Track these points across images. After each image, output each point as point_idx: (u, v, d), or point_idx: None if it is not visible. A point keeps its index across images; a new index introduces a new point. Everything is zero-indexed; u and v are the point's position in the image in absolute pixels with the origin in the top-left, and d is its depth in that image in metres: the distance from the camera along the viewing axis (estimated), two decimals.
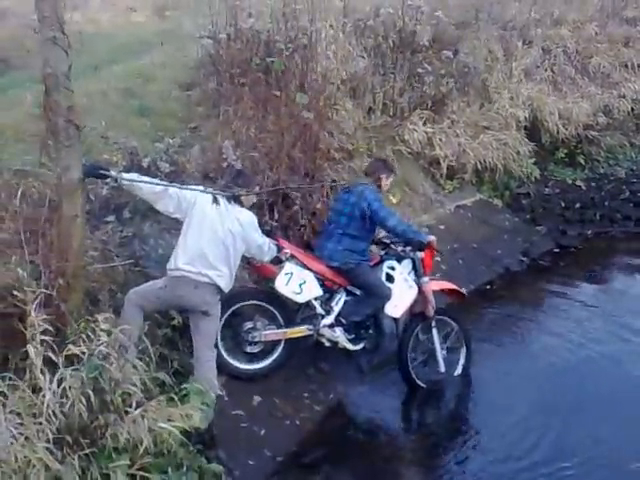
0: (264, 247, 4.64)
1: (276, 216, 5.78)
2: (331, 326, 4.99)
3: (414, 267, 5.20)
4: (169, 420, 3.34)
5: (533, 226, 8.64)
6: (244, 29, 7.32)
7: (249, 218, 4.46)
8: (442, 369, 5.26)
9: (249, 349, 4.90)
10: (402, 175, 7.84)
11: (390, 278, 5.14)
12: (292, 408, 4.81)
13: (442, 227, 7.78)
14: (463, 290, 5.60)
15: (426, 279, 5.19)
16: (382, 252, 5.46)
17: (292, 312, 5.01)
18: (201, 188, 4.47)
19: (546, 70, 9.74)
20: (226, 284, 4.28)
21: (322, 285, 5.00)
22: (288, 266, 4.86)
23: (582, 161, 9.57)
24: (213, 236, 4.22)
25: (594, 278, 7.53)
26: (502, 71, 9.25)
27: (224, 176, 4.95)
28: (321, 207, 6.17)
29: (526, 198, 8.86)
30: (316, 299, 4.98)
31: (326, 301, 5.06)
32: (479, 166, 8.39)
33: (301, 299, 4.91)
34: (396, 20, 8.52)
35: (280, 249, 4.87)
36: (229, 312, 4.72)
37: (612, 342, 6.02)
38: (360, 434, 4.86)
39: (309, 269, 4.96)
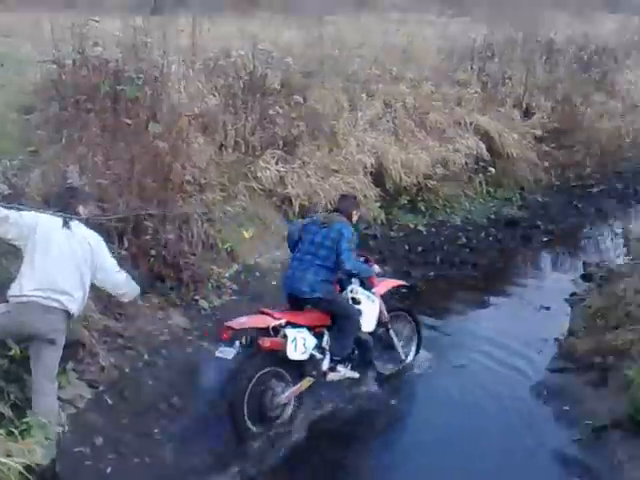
0: (118, 276, 4.39)
1: (126, 244, 5.47)
2: (332, 369, 5.39)
3: (362, 285, 5.73)
4: (8, 455, 3.09)
5: (382, 265, 8.88)
6: (91, 56, 7.05)
7: (97, 237, 4.28)
8: (403, 357, 6.09)
9: (274, 414, 5.04)
10: (255, 211, 7.83)
11: (355, 300, 5.59)
12: (141, 445, 4.44)
13: None
14: (405, 282, 6.75)
15: (374, 290, 5.77)
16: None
17: (295, 367, 5.16)
18: (45, 212, 4.18)
19: (388, 122, 10.23)
20: (78, 308, 4.07)
21: (312, 333, 5.25)
22: (290, 333, 4.99)
23: (423, 208, 10.06)
24: (62, 259, 4.00)
25: (436, 314, 7.83)
26: (348, 120, 9.58)
27: (57, 197, 4.63)
28: (173, 238, 5.95)
29: (373, 240, 9.13)
30: (313, 348, 5.24)
31: (319, 346, 5.32)
32: (329, 206, 8.53)
33: (307, 356, 5.15)
34: (247, 62, 8.63)
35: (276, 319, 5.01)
36: (253, 382, 4.80)
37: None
38: None
39: (301, 325, 5.16)
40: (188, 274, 6.20)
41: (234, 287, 6.93)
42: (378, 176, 9.51)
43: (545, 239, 10.12)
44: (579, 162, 12.43)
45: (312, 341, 5.18)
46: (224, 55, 8.77)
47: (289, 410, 5.14)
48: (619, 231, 10.08)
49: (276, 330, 4.96)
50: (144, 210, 5.56)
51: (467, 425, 5.32)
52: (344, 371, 5.48)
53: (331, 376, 5.39)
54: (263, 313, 5.07)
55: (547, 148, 12.02)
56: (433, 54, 12.75)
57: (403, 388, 5.99)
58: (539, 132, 12.10)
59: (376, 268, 5.91)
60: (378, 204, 9.35)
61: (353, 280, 5.67)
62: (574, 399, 5.52)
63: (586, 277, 8.26)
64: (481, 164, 10.83)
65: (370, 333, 5.65)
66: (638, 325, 5.39)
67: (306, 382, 5.21)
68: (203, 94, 8.12)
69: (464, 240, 9.81)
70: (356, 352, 5.55)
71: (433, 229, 9.92)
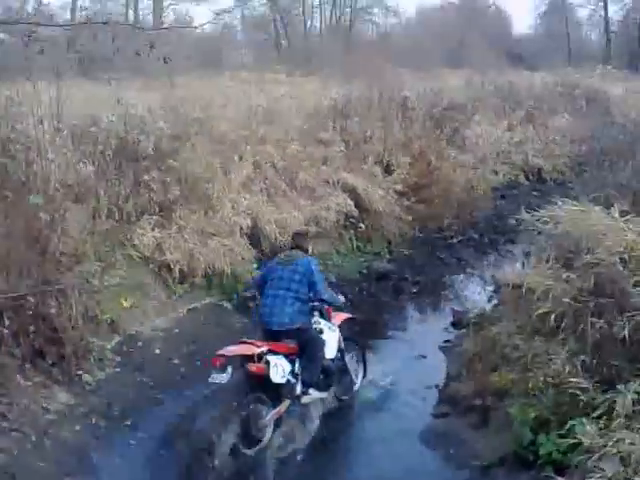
0: None
1: (6, 322, 5.22)
2: (304, 392, 6.01)
3: (322, 316, 6.41)
4: None
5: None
6: None
7: None
8: (355, 382, 6.88)
9: (259, 435, 5.57)
10: (134, 279, 7.72)
11: (318, 330, 6.26)
12: None
13: (177, 330, 7.80)
14: (354, 315, 7.32)
15: (333, 321, 6.54)
16: None
17: (273, 391, 5.70)
18: None
19: (260, 183, 10.46)
20: None
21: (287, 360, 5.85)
22: (271, 359, 5.64)
23: None
24: None
25: None
26: (222, 182, 9.69)
27: None
28: (53, 312, 5.76)
29: (253, 301, 9.17)
30: (289, 373, 5.83)
31: (293, 372, 5.90)
32: (209, 270, 8.57)
33: (285, 380, 5.76)
34: (119, 128, 8.57)
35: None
36: (244, 409, 5.41)
37: None
38: None
39: (278, 353, 5.77)
40: (70, 349, 6.04)
41: (117, 359, 6.82)
42: (254, 237, 9.66)
43: (414, 290, 10.57)
44: (438, 214, 13.16)
45: (288, 367, 5.82)
46: (92, 122, 8.64)
47: (269, 432, 5.67)
48: (483, 278, 10.75)
49: (259, 357, 5.57)
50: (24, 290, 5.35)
51: (361, 474, 5.50)
52: (315, 393, 6.15)
53: (305, 399, 6.08)
54: (245, 343, 5.70)
55: (409, 202, 12.67)
56: (296, 114, 13.21)
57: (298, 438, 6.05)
58: (400, 187, 12.77)
59: (342, 298, 6.70)
60: (255, 265, 9.48)
61: (315, 312, 6.32)
62: (459, 442, 5.84)
63: (456, 324, 8.78)
64: (351, 220, 11.28)
65: (331, 360, 6.36)
66: (516, 366, 5.80)
67: (284, 404, 5.83)
68: (74, 163, 7.94)
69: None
70: (321, 377, 6.18)
71: None
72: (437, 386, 7.00)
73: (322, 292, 6.10)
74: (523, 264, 9.17)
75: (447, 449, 5.83)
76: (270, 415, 5.64)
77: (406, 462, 5.69)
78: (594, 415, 4.57)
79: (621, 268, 5.57)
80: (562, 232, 6.42)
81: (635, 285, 5.44)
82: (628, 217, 6.02)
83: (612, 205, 6.40)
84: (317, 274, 6.09)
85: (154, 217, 8.33)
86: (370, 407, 6.78)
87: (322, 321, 6.37)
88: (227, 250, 8.85)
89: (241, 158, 10.47)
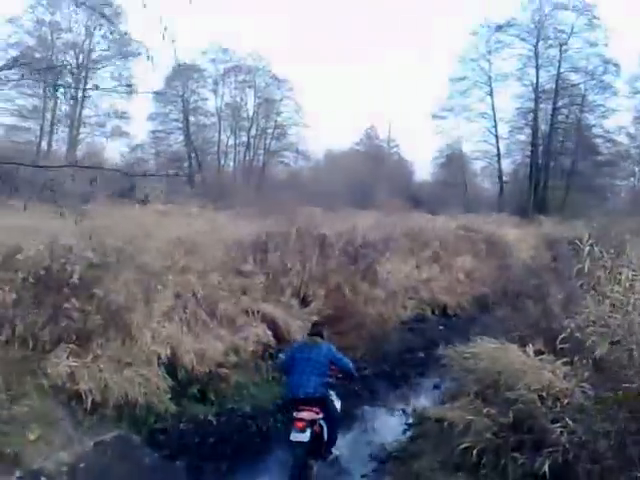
0: None
1: None
2: (329, 451, 7.96)
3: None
4: None
5: (172, 462, 8.58)
6: None
7: None
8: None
9: None
10: (42, 410, 7.40)
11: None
12: None
13: (82, 465, 7.37)
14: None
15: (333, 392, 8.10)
16: None
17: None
18: None
19: (180, 312, 10.39)
20: None
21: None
22: (323, 423, 7.77)
23: (213, 397, 10.04)
24: None
25: None
26: (143, 311, 9.59)
27: None
28: None
29: (163, 434, 8.87)
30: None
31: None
32: (121, 401, 8.28)
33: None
34: (43, 257, 8.49)
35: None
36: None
37: None
38: None
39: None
40: None
41: None
42: (172, 367, 9.48)
43: None
44: (352, 346, 13.35)
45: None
46: (15, 251, 8.54)
47: None
48: (399, 411, 10.82)
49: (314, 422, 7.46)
50: None
51: None
52: (335, 452, 8.00)
53: (330, 456, 7.92)
54: (304, 410, 7.42)
55: (326, 334, 12.83)
56: (216, 246, 13.42)
57: None
58: (316, 318, 12.95)
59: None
60: (169, 396, 9.21)
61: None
62: None
63: (375, 458, 8.71)
64: (270, 351, 11.28)
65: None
66: None
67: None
68: None
69: (254, 428, 9.85)
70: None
71: (223, 418, 9.85)
72: None
73: (348, 364, 8.19)
74: (441, 397, 9.42)
75: None
76: (317, 467, 7.56)
77: None
78: None
79: (540, 404, 5.86)
80: (483, 368, 6.73)
81: (553, 421, 5.72)
82: (543, 356, 6.41)
83: (526, 344, 6.81)
84: (339, 354, 8.20)
85: (70, 345, 8.10)
86: None
87: (332, 392, 8.07)
88: (143, 380, 8.64)
89: (163, 288, 10.43)
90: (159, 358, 9.20)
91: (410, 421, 9.34)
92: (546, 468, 5.30)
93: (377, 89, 70.01)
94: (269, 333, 11.45)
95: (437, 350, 13.83)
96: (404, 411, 10.55)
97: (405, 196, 38.77)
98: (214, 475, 8.48)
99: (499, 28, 46.89)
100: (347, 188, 35.57)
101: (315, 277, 14.32)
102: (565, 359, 6.31)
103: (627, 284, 6.84)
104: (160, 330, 9.58)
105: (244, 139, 50.26)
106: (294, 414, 7.39)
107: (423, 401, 10.87)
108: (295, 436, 7.15)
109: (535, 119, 46.64)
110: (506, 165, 49.19)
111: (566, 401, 5.76)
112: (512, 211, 34.73)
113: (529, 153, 47.40)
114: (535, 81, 46.88)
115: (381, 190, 36.87)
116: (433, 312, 17.32)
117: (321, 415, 7.55)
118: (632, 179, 47.17)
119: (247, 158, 50.40)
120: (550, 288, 8.85)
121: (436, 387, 11.92)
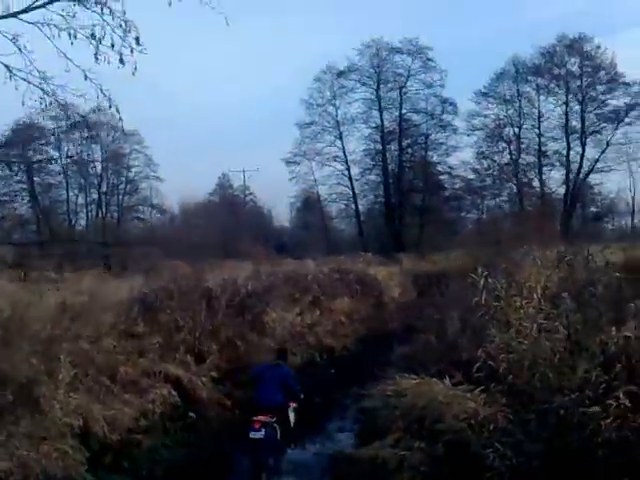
0: None
1: None
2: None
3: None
4: None
5: None
6: None
7: None
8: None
9: None
10: None
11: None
12: None
13: None
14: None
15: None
16: None
17: None
18: None
19: (84, 380, 10.04)
20: None
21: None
22: (276, 425, 9.65)
23: (126, 464, 9.72)
24: None
25: None
26: (48, 383, 9.19)
27: None
28: None
29: None
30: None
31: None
32: (41, 478, 7.87)
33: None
34: None
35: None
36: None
37: None
38: None
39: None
40: None
41: None
42: (84, 436, 9.13)
43: None
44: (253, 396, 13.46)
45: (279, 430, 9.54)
46: None
47: None
48: (314, 455, 11.00)
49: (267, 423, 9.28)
50: None
51: None
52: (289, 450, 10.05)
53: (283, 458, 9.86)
54: (262, 414, 9.26)
55: (225, 388, 12.86)
56: (101, 309, 13.04)
57: None
58: (215, 374, 12.98)
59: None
60: (85, 467, 8.87)
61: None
62: None
63: None
64: (180, 411, 11.11)
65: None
66: None
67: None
68: None
69: None
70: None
71: None
72: None
73: (296, 386, 10.19)
74: (354, 439, 9.78)
75: None
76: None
77: None
78: None
79: (470, 432, 6.37)
80: (407, 403, 7.19)
81: (484, 447, 6.22)
82: (462, 387, 6.97)
83: (443, 376, 7.37)
84: (292, 378, 10.27)
85: None
86: None
87: (292, 407, 10.19)
88: (60, 453, 8.27)
89: (63, 357, 10.04)
90: (72, 429, 8.85)
91: (330, 464, 9.50)
92: None
93: (232, 138, 70.14)
94: (174, 393, 11.25)
95: (334, 394, 14.43)
96: (319, 454, 10.77)
97: (268, 243, 39.33)
98: None
99: (341, 74, 49.56)
100: (206, 239, 35.29)
101: (207, 332, 14.27)
102: (482, 387, 6.91)
103: (522, 312, 7.62)
104: (68, 401, 9.20)
105: (95, 196, 48.86)
106: (253, 418, 9.18)
107: (333, 444, 11.12)
108: (253, 434, 8.96)
109: (384, 159, 49.38)
110: (362, 205, 51.34)
111: (492, 426, 6.29)
112: (374, 250, 36.21)
113: (382, 192, 49.80)
114: (380, 123, 49.83)
115: (243, 239, 37.05)
116: (321, 356, 17.69)
117: (274, 419, 9.33)
118: (475, 211, 50.80)
119: (99, 216, 48.80)
120: (449, 321, 9.53)
121: (341, 430, 12.28)
